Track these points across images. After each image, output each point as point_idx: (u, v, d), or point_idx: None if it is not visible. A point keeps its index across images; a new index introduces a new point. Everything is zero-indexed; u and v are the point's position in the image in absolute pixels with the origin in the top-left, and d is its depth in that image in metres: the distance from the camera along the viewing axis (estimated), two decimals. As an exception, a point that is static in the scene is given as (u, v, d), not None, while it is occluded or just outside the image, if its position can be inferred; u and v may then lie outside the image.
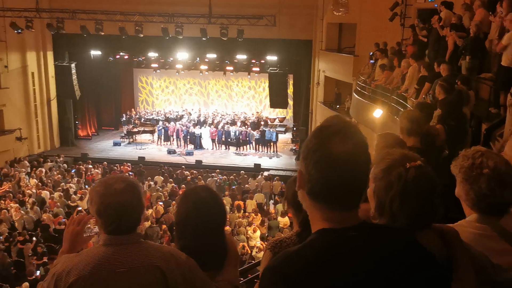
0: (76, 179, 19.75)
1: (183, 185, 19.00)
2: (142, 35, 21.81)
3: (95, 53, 26.21)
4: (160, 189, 18.64)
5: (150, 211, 15.93)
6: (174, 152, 24.99)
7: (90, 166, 21.61)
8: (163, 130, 26.54)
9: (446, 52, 9.79)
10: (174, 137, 26.44)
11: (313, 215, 1.43)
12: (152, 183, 19.42)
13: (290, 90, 27.13)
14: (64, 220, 15.41)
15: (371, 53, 15.60)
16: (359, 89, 15.20)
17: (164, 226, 14.65)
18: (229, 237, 2.41)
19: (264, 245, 13.68)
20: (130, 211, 2.05)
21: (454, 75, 7.91)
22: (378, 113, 12.07)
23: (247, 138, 25.66)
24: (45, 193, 17.44)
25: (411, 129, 4.01)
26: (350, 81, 18.61)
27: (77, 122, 27.63)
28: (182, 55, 24.97)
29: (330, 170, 1.34)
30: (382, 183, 1.70)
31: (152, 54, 25.92)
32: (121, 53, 26.29)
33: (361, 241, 1.37)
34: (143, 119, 29.10)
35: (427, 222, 1.72)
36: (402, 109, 11.11)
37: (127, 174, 20.33)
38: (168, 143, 26.55)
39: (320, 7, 21.50)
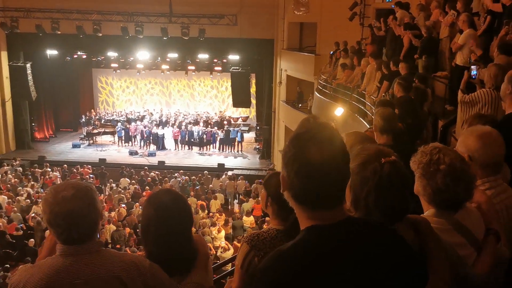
0: (32, 183, 19.12)
1: (147, 187, 18.75)
2: (100, 34, 21.35)
3: (51, 52, 25.38)
4: (122, 191, 18.31)
5: (112, 213, 15.64)
6: (136, 153, 24.60)
7: (49, 169, 20.97)
8: (123, 131, 26.05)
9: (401, 51, 10.03)
10: (137, 138, 26.00)
11: (300, 215, 1.49)
12: (114, 185, 19.05)
13: (253, 89, 27.18)
14: (21, 225, 14.91)
15: (332, 52, 15.81)
16: (321, 88, 15.38)
17: (128, 229, 14.40)
18: (198, 239, 2.37)
19: (229, 245, 13.68)
20: (80, 219, 1.94)
21: (412, 74, 8.11)
22: (339, 111, 12.24)
23: (211, 138, 25.53)
24: (3, 198, 16.79)
25: (384, 127, 4.07)
26: (312, 80, 18.80)
27: (33, 124, 26.72)
28: (142, 54, 24.55)
29: (310, 178, 1.40)
30: (357, 177, 1.74)
31: (112, 54, 25.40)
32: (79, 53, 25.60)
33: (349, 237, 1.43)
34: (103, 120, 28.51)
35: (401, 216, 1.76)
36: (362, 107, 11.33)
37: (87, 176, 19.90)
38: (130, 144, 26.10)
39: (281, 6, 21.61)
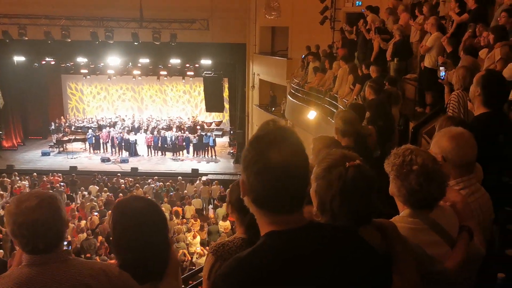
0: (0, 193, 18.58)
1: (120, 194, 18.47)
2: (69, 40, 20.98)
3: (18, 59, 24.69)
4: (95, 198, 17.97)
5: (83, 222, 15.33)
6: (108, 160, 24.22)
7: (18, 178, 20.42)
8: (94, 138, 25.61)
9: (372, 54, 10.19)
10: (109, 144, 25.60)
11: (260, 220, 1.47)
12: (86, 193, 18.69)
13: (226, 94, 27.16)
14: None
15: (304, 56, 15.93)
16: (293, 91, 15.47)
17: (100, 238, 14.12)
18: (172, 248, 2.33)
19: (205, 251, 13.57)
20: (45, 229, 1.91)
21: (383, 77, 8.23)
22: (312, 114, 12.33)
23: (184, 143, 25.35)
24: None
25: (345, 130, 4.13)
26: (285, 83, 18.90)
27: (1, 132, 26.00)
28: (113, 60, 24.18)
29: (271, 180, 1.37)
30: (323, 182, 1.74)
31: (81, 60, 24.92)
32: (47, 59, 25.00)
33: (308, 242, 1.41)
34: (73, 127, 28.00)
35: (366, 220, 1.77)
36: (335, 110, 11.43)
37: (57, 185, 19.47)
38: (101, 151, 25.68)
39: (253, 10, 21.68)
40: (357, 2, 16.38)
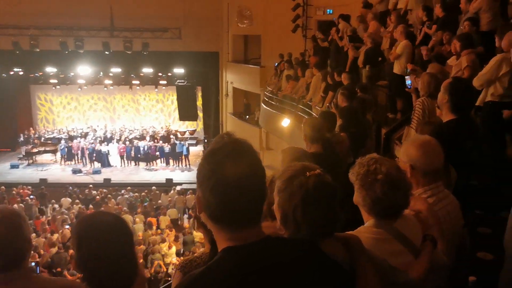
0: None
1: (91, 206, 18.12)
2: (38, 50, 20.56)
3: (-15, 69, 24.18)
4: (66, 211, 17.58)
5: (55, 235, 14.97)
6: (79, 171, 23.77)
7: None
8: (65, 149, 25.11)
9: (345, 62, 10.33)
10: (79, 155, 25.13)
11: (218, 235, 1.44)
12: (56, 205, 18.27)
13: (199, 102, 27.06)
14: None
15: (277, 64, 16.03)
16: (267, 99, 15.53)
17: (71, 251, 13.80)
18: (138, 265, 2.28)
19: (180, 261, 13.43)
20: (5, 246, 1.87)
21: (355, 83, 8.34)
22: (286, 122, 12.40)
23: (157, 153, 25.09)
24: None
25: (313, 137, 4.18)
26: (258, 91, 18.96)
27: (-33, 144, 25.29)
28: (84, 69, 23.78)
29: (226, 195, 1.35)
30: (285, 194, 1.72)
31: (51, 70, 24.46)
32: (16, 69, 24.41)
33: (266, 257, 1.38)
34: (43, 138, 27.36)
35: (330, 230, 1.75)
36: (309, 117, 11.52)
37: (27, 198, 18.98)
38: (73, 162, 25.19)
39: (225, 19, 21.74)
40: (328, 10, 16.62)
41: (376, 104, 8.51)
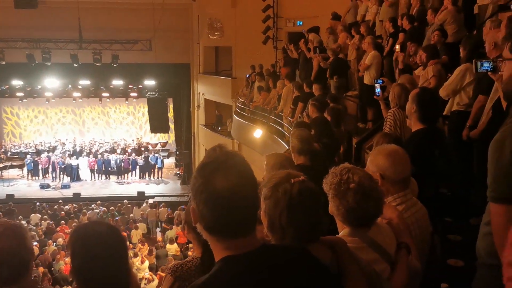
0: None
1: (62, 221, 17.68)
2: (4, 62, 20.10)
3: None
4: (34, 227, 17.09)
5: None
6: (48, 186, 23.21)
7: None
8: (32, 163, 24.49)
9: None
10: (49, 170, 24.53)
11: (214, 246, 1.47)
12: (24, 222, 17.72)
13: (171, 114, 26.89)
14: None
15: (248, 75, 16.09)
16: (239, 110, 15.55)
17: (41, 269, 13.39)
18: (132, 273, 2.25)
19: (154, 276, 13.20)
20: (10, 258, 1.87)
21: (325, 94, 8.44)
22: (258, 133, 12.42)
23: (130, 166, 24.74)
24: None
25: (301, 149, 4.18)
26: (230, 103, 18.98)
27: None
28: (51, 82, 23.28)
29: (220, 207, 1.38)
30: (271, 201, 1.75)
31: (17, 82, 23.89)
32: (-20, 83, 23.87)
33: (265, 265, 1.42)
34: (9, 153, 26.66)
35: (315, 234, 1.78)
36: (280, 129, 11.58)
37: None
38: (40, 177, 24.58)
39: (196, 31, 21.75)
40: (298, 22, 16.81)
41: (346, 114, 8.64)
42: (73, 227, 16.57)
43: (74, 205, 19.80)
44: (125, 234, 16.19)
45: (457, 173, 4.92)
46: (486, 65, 3.19)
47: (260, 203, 1.53)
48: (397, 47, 7.64)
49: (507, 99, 2.99)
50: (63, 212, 18.69)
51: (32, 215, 18.46)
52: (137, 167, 24.83)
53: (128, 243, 15.68)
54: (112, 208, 19.40)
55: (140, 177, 24.77)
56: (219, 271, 1.41)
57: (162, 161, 25.00)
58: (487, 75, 3.82)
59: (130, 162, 24.79)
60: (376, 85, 5.90)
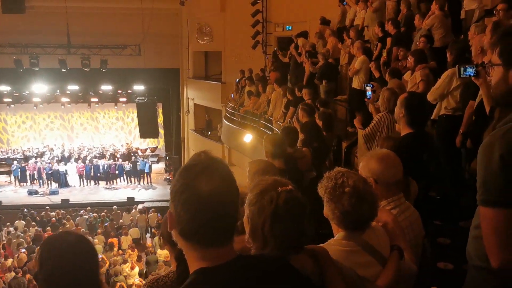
0: None
1: (48, 228, 17.51)
2: (-9, 68, 19.92)
3: None
4: (22, 234, 16.90)
5: (10, 260, 14.34)
6: (36, 192, 22.97)
7: None
8: (19, 169, 24.23)
9: (304, 77, 10.49)
10: (36, 176, 24.28)
11: (189, 255, 1.41)
12: (12, 229, 17.54)
13: (160, 119, 26.79)
14: None
15: (238, 80, 16.10)
16: (229, 115, 15.54)
17: (28, 276, 13.25)
18: (103, 285, 2.22)
19: (144, 282, 13.11)
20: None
21: (315, 99, 8.47)
22: (248, 138, 12.42)
23: (117, 171, 24.57)
24: None
25: (274, 153, 4.21)
26: (220, 107, 18.96)
27: None
28: (39, 87, 23.01)
29: (198, 210, 1.33)
30: (255, 207, 1.74)
31: (4, 88, 23.61)
32: (-33, 88, 23.57)
33: (240, 278, 1.37)
34: (-3, 159, 26.34)
35: (298, 245, 1.77)
36: (270, 133, 11.59)
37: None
38: (28, 183, 24.31)
39: (185, 36, 21.72)
40: (288, 26, 16.87)
41: (336, 118, 8.68)
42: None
43: (62, 211, 19.61)
44: (114, 240, 16.10)
45: (446, 176, 4.97)
46: (470, 70, 3.24)
47: (239, 213, 1.47)
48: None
49: (496, 103, 3.03)
50: (54, 219, 18.50)
51: (16, 221, 18.25)
52: (125, 172, 24.67)
53: (117, 248, 15.65)
54: (103, 214, 19.25)
55: (127, 183, 24.59)
56: (193, 283, 1.36)
57: (150, 167, 24.86)
58: (474, 81, 3.87)
59: (117, 167, 24.62)
60: (367, 88, 5.94)
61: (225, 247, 1.39)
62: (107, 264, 14.05)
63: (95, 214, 19.22)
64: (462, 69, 3.21)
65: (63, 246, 1.99)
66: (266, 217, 1.70)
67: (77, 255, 1.99)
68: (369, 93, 5.97)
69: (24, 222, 18.26)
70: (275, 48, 14.94)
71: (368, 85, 6.32)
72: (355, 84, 8.44)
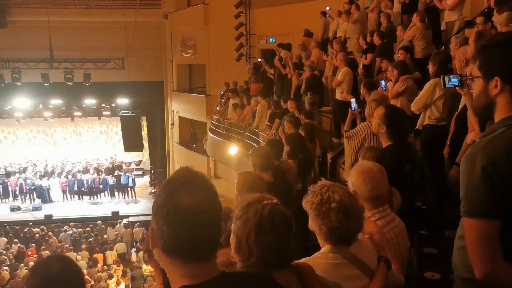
0: None
1: (33, 244, 17.19)
2: (-28, 83, 19.62)
3: None
4: (4, 251, 16.56)
5: (-8, 279, 14.04)
6: (18, 208, 22.53)
7: None
8: (1, 186, 23.78)
9: (289, 89, 10.54)
10: (18, 192, 23.86)
11: (171, 273, 1.39)
12: (-7, 246, 17.19)
13: (145, 133, 26.64)
14: None
15: (222, 92, 16.12)
16: (214, 127, 15.53)
17: (11, 294, 12.99)
18: None
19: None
20: None
21: (300, 111, 8.52)
22: (233, 150, 12.40)
23: (101, 186, 24.29)
24: None
25: (262, 165, 4.20)
26: (205, 120, 18.94)
27: None
28: (21, 102, 22.71)
29: (181, 223, 1.32)
30: (241, 221, 1.74)
31: (-15, 103, 23.34)
32: None
33: None
34: (-22, 175, 25.84)
35: (283, 259, 1.76)
36: (256, 145, 11.59)
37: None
38: (10, 199, 23.88)
39: (169, 49, 21.75)
40: (271, 39, 16.99)
41: (320, 129, 8.73)
42: (42, 250, 16.22)
43: (45, 227, 19.26)
44: (99, 256, 15.87)
45: (430, 186, 5.01)
46: (454, 80, 3.28)
47: (223, 229, 1.46)
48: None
49: (478, 116, 3.07)
50: (37, 235, 18.17)
51: (-1, 238, 17.91)
52: (108, 186, 24.40)
53: (102, 263, 15.42)
54: (88, 229, 18.97)
55: (111, 197, 24.31)
56: None
57: (133, 180, 24.64)
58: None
59: (100, 181, 24.35)
60: (352, 100, 6.00)
61: (208, 262, 1.37)
62: (92, 282, 13.82)
63: (79, 229, 18.94)
64: (446, 79, 3.26)
65: (48, 274, 1.96)
66: (251, 228, 1.71)
67: (65, 284, 1.97)
68: (354, 105, 6.03)
69: (6, 239, 17.90)
70: (258, 60, 15.02)
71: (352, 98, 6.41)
72: (338, 95, 8.52)
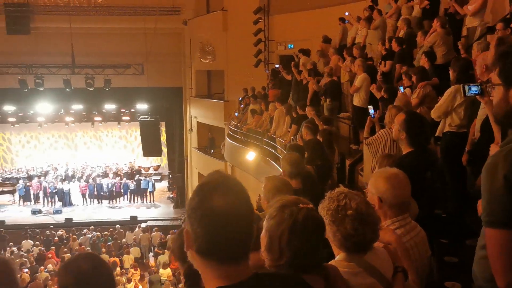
0: None
1: (52, 247, 17.43)
2: (-4, 88, 20.09)
3: None
4: (25, 254, 16.83)
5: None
6: (39, 212, 22.91)
7: None
8: (23, 189, 24.23)
9: (306, 95, 10.52)
10: (40, 195, 24.26)
11: (205, 274, 1.42)
12: (15, 248, 17.46)
13: (163, 138, 26.86)
14: None
15: (241, 98, 16.17)
16: (232, 133, 15.58)
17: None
18: None
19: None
20: None
21: (319, 117, 8.48)
22: (251, 155, 12.42)
23: (121, 190, 24.55)
24: None
25: (291, 172, 4.20)
26: (223, 125, 19.02)
27: None
28: (44, 107, 23.21)
29: (214, 225, 1.35)
30: (274, 220, 1.77)
31: (9, 108, 23.84)
32: (-29, 108, 23.75)
33: None
34: (1, 178, 26.38)
35: (311, 263, 1.77)
36: (273, 151, 11.59)
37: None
38: (32, 202, 24.28)
39: (188, 54, 21.93)
40: (290, 45, 17.01)
41: (339, 135, 8.68)
42: (63, 253, 16.44)
43: (63, 230, 19.52)
44: (116, 259, 16.00)
45: (451, 193, 4.94)
46: (474, 89, 3.24)
47: (254, 231, 1.47)
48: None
49: (498, 123, 3.02)
50: (56, 238, 18.44)
51: (23, 241, 18.20)
52: (129, 191, 24.64)
53: (120, 268, 15.55)
54: (106, 233, 19.17)
55: (131, 201, 24.54)
56: None
57: (153, 185, 24.85)
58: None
59: (121, 186, 24.61)
60: (369, 107, 5.97)
61: (241, 264, 1.40)
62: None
63: (98, 233, 19.15)
64: (467, 87, 3.22)
65: (81, 270, 1.99)
66: (284, 230, 1.73)
67: (93, 279, 2.00)
68: (371, 111, 6.00)
69: (31, 242, 18.21)
70: (275, 66, 15.03)
71: (370, 105, 6.38)
72: (356, 101, 8.47)
